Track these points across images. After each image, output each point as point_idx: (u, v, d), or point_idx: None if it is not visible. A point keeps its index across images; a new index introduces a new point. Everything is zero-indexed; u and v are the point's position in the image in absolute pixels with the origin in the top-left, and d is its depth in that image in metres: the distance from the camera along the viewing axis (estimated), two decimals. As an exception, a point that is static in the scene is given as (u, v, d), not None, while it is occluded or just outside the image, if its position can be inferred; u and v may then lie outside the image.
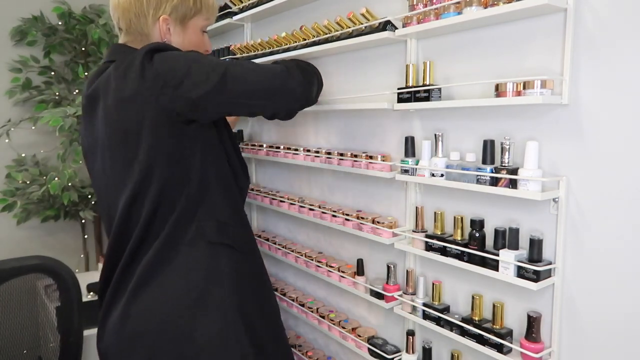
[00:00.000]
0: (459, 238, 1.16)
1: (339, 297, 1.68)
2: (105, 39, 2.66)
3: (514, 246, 1.05)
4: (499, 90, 1.04)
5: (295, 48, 1.57)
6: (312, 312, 1.65)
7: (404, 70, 1.33)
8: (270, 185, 1.98)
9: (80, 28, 2.71)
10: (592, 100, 0.96)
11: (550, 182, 1.02)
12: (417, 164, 1.23)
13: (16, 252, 2.54)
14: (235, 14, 1.88)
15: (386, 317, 1.49)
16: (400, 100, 1.25)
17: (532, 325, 1.04)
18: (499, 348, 1.07)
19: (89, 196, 2.69)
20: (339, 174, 1.63)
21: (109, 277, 1.11)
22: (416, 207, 1.28)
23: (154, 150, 1.03)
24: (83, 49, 2.78)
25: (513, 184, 1.02)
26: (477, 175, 1.08)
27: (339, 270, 1.53)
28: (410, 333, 1.34)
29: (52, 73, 2.77)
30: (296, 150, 1.65)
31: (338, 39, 1.41)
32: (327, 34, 1.45)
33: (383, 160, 1.35)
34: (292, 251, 1.72)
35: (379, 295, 1.39)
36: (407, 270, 1.33)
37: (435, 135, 1.20)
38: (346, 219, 1.46)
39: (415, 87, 1.22)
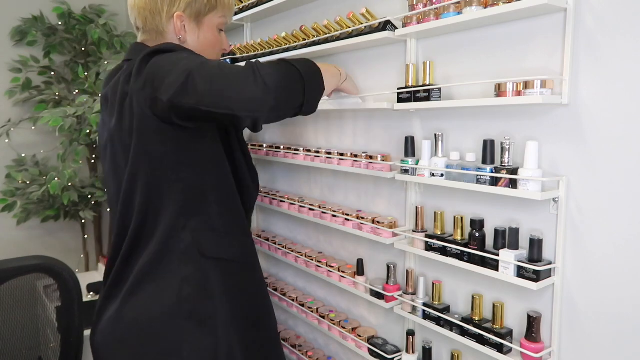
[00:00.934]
0: (459, 238, 1.16)
1: (339, 297, 1.68)
2: (105, 39, 2.67)
3: (514, 246, 1.05)
4: (499, 90, 1.04)
5: (295, 48, 1.57)
6: (312, 312, 1.65)
7: (404, 70, 1.33)
8: (270, 185, 1.98)
9: (80, 28, 2.71)
10: (592, 100, 0.96)
11: (550, 182, 1.02)
12: (417, 164, 1.23)
13: (16, 252, 2.53)
14: (236, 13, 1.88)
15: (386, 317, 1.49)
16: (400, 100, 1.25)
17: (532, 325, 1.04)
18: (499, 348, 1.07)
19: (89, 196, 2.70)
20: (339, 174, 1.63)
21: (109, 276, 1.12)
22: (416, 207, 1.28)
23: (141, 154, 1.01)
24: (83, 49, 2.78)
25: (513, 184, 1.02)
26: (477, 175, 1.08)
27: (339, 270, 1.53)
28: (410, 333, 1.34)
29: (52, 73, 2.77)
30: (296, 150, 1.65)
31: (338, 39, 1.41)
32: (327, 34, 1.45)
33: (383, 160, 1.35)
34: (292, 251, 1.72)
35: (379, 295, 1.39)
36: (407, 270, 1.33)
37: (435, 135, 1.20)
38: (346, 219, 1.46)
39: (415, 87, 1.22)
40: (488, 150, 1.08)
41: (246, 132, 2.07)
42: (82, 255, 2.95)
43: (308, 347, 1.78)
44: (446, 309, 1.24)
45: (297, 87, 0.97)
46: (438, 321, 1.22)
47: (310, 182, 1.76)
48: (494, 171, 1.05)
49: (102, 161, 1.17)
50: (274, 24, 1.85)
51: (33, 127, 2.71)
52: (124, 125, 1.03)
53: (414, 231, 1.27)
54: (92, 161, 2.83)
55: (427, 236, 1.22)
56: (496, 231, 1.08)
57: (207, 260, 1.06)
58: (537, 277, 0.99)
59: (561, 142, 1.02)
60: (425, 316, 1.25)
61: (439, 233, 1.22)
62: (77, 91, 2.74)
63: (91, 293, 2.09)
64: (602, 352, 0.99)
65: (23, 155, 2.78)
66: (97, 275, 2.46)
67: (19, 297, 1.32)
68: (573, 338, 1.03)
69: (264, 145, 1.82)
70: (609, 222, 0.96)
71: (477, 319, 1.14)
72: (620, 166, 0.93)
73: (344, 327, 1.52)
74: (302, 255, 1.68)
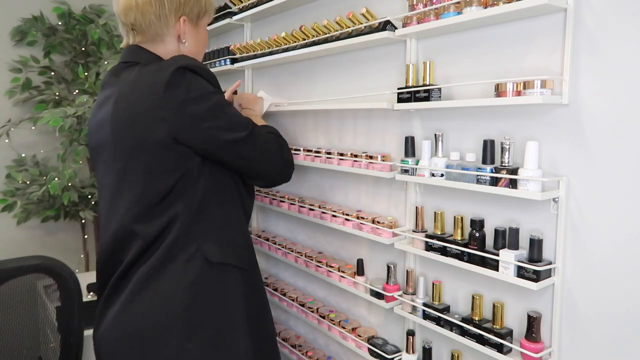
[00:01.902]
0: (459, 238, 1.16)
1: (339, 297, 1.68)
2: (105, 39, 2.67)
3: (514, 246, 1.05)
4: (499, 90, 1.04)
5: (295, 48, 1.57)
6: (312, 312, 1.65)
7: (404, 70, 1.33)
8: (270, 185, 1.98)
9: (80, 28, 2.71)
10: (592, 100, 0.96)
11: (550, 182, 1.02)
12: (417, 164, 1.23)
13: (16, 252, 2.54)
14: (235, 14, 1.88)
15: (386, 317, 1.49)
16: (400, 100, 1.25)
17: (532, 325, 1.04)
18: (499, 348, 1.07)
19: (89, 196, 2.69)
20: (339, 174, 1.63)
21: (106, 282, 1.10)
22: (416, 207, 1.28)
23: (148, 166, 1.02)
24: (83, 49, 2.78)
25: (513, 184, 1.02)
26: (477, 175, 1.08)
27: (339, 270, 1.53)
28: (410, 333, 1.34)
29: (52, 73, 2.77)
30: (296, 150, 1.65)
31: (338, 38, 1.41)
32: (326, 34, 1.45)
33: (383, 160, 1.35)
34: (292, 251, 1.72)
35: (379, 295, 1.39)
36: (407, 270, 1.33)
37: (435, 135, 1.20)
38: (346, 219, 1.46)
39: (415, 87, 1.22)
40: (488, 150, 1.08)
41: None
42: (82, 255, 2.95)
43: (308, 347, 1.78)
44: (446, 309, 1.24)
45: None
46: (438, 321, 1.21)
47: (310, 182, 1.76)
48: (494, 171, 1.05)
49: (94, 163, 1.16)
50: (273, 24, 1.85)
51: (33, 127, 2.71)
52: (138, 136, 1.02)
53: (414, 231, 1.27)
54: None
55: (427, 236, 1.22)
56: (496, 231, 1.08)
57: (212, 266, 1.06)
58: (537, 277, 0.99)
59: (561, 142, 1.02)
60: (425, 316, 1.25)
61: (439, 233, 1.22)
62: (77, 91, 2.74)
63: (91, 293, 2.09)
64: (602, 352, 0.99)
65: (23, 155, 2.78)
66: (97, 275, 2.46)
67: (18, 297, 1.32)
68: (573, 338, 1.03)
69: (264, 145, 1.82)
70: (609, 222, 0.96)
71: (477, 319, 1.14)
72: (620, 166, 0.93)
73: (344, 327, 1.52)
74: (302, 255, 1.68)
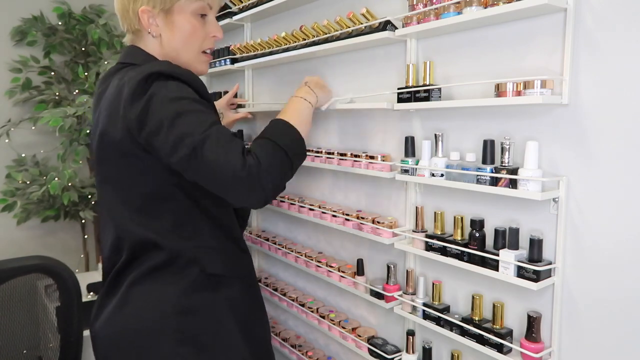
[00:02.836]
0: (459, 238, 1.16)
1: (339, 297, 1.68)
2: (105, 39, 2.67)
3: (514, 246, 1.05)
4: (499, 90, 1.04)
5: (295, 48, 1.57)
6: (312, 312, 1.65)
7: (404, 70, 1.33)
8: (270, 185, 1.98)
9: (80, 28, 2.72)
10: (592, 100, 0.96)
11: (550, 182, 1.02)
12: (417, 164, 1.23)
13: (16, 252, 2.54)
14: (235, 14, 1.88)
15: (386, 317, 1.49)
16: (400, 100, 1.25)
17: (532, 325, 1.04)
18: (499, 348, 1.07)
19: (89, 196, 2.70)
20: (339, 174, 1.63)
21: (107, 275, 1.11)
22: (416, 207, 1.28)
23: (135, 173, 1.00)
24: (83, 49, 2.78)
25: (513, 184, 1.02)
26: (477, 175, 1.08)
27: (339, 270, 1.53)
28: (410, 333, 1.34)
29: (52, 73, 2.77)
30: (296, 150, 1.64)
31: (338, 38, 1.41)
32: (327, 34, 1.45)
33: (383, 160, 1.35)
34: (292, 251, 1.72)
35: (379, 295, 1.39)
36: (407, 270, 1.33)
37: (435, 135, 1.20)
38: (346, 219, 1.46)
39: (415, 87, 1.22)
40: (488, 150, 1.08)
41: (246, 132, 2.07)
42: (82, 255, 2.95)
43: (308, 347, 1.78)
44: (446, 309, 1.24)
45: (289, 175, 1.00)
46: (438, 321, 1.21)
47: (310, 182, 1.76)
48: (494, 171, 1.05)
49: (93, 164, 1.16)
50: (273, 24, 1.85)
51: (33, 127, 2.71)
52: (117, 142, 0.98)
53: (414, 231, 1.27)
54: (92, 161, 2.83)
55: (427, 236, 1.22)
56: (496, 231, 1.08)
57: (207, 275, 1.04)
58: (537, 277, 0.99)
59: (561, 142, 1.02)
60: (425, 316, 1.25)
61: (439, 233, 1.22)
62: (77, 91, 2.74)
63: (91, 293, 2.09)
64: (602, 352, 0.99)
65: (23, 155, 2.78)
66: (97, 275, 2.46)
67: (18, 297, 1.32)
68: (573, 338, 1.03)
69: (264, 145, 1.82)
70: (609, 222, 0.96)
71: (477, 319, 1.14)
72: (620, 166, 0.93)
73: (344, 327, 1.52)
74: (302, 255, 1.68)
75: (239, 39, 2.03)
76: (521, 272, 1.02)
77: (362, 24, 1.33)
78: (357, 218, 1.44)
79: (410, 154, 1.28)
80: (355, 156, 1.42)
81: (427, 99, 1.18)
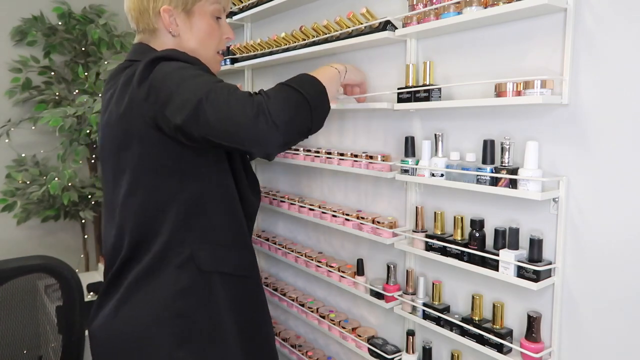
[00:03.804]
0: (459, 238, 1.16)
1: (339, 297, 1.68)
2: (105, 39, 2.67)
3: (514, 246, 1.05)
4: (499, 90, 1.04)
5: (295, 48, 1.57)
6: (312, 312, 1.66)
7: (404, 70, 1.33)
8: (270, 185, 1.98)
9: (80, 28, 2.71)
10: (592, 100, 0.97)
11: (550, 182, 1.02)
12: (417, 164, 1.23)
13: (16, 252, 2.53)
14: (235, 13, 1.88)
15: (386, 317, 1.49)
16: (400, 100, 1.25)
17: (532, 325, 1.04)
18: (499, 348, 1.07)
19: (89, 196, 2.70)
20: (339, 174, 1.63)
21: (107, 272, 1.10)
22: (416, 207, 1.28)
23: (141, 164, 0.99)
24: (83, 49, 2.78)
25: (513, 184, 1.02)
26: (477, 175, 1.08)
27: (339, 270, 1.53)
28: (410, 333, 1.34)
29: (52, 73, 2.77)
30: (296, 150, 1.65)
31: (338, 39, 1.41)
32: (327, 34, 1.45)
33: (383, 160, 1.35)
34: (292, 251, 1.73)
35: (379, 295, 1.39)
36: (407, 270, 1.33)
37: (435, 135, 1.20)
38: (346, 219, 1.46)
39: (415, 87, 1.22)
40: (488, 150, 1.08)
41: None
42: (82, 255, 2.95)
43: (308, 347, 1.78)
44: (446, 309, 1.24)
45: (305, 116, 0.95)
46: (438, 321, 1.22)
47: (310, 182, 1.76)
48: (494, 171, 1.05)
49: (101, 162, 1.16)
50: (273, 24, 1.85)
51: (33, 127, 2.71)
52: (126, 132, 1.00)
53: (414, 231, 1.27)
54: (92, 161, 2.83)
55: (427, 236, 1.22)
56: (496, 231, 1.08)
57: (205, 274, 1.03)
58: (537, 277, 0.99)
59: (561, 142, 1.02)
60: (425, 316, 1.25)
61: (439, 233, 1.22)
62: (77, 91, 2.74)
63: (91, 293, 2.09)
64: (602, 352, 0.99)
65: (23, 155, 2.78)
66: (97, 275, 2.46)
67: (20, 297, 1.32)
68: (573, 338, 1.03)
69: (264, 145, 1.82)
70: (609, 222, 0.96)
71: (477, 319, 1.14)
72: (620, 166, 0.93)
73: (344, 327, 1.53)
74: (302, 255, 1.68)
75: (239, 39, 2.03)
76: (521, 272, 1.02)
77: (362, 24, 1.33)
78: (357, 218, 1.44)
79: (410, 154, 1.28)
80: (355, 156, 1.42)
81: (427, 99, 1.18)
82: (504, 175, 1.03)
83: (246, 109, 0.88)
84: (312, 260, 1.63)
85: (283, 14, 1.79)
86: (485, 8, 1.04)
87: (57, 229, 2.93)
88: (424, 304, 1.26)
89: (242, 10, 1.82)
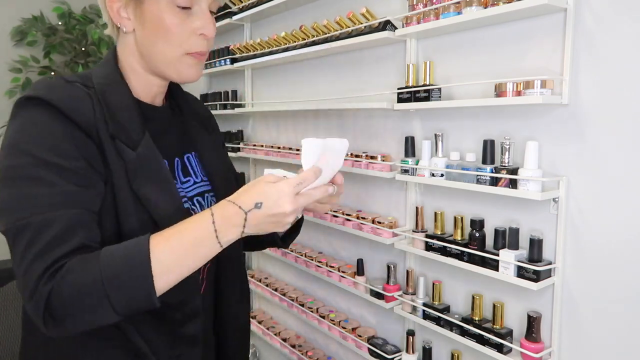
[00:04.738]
0: (459, 238, 1.16)
1: (339, 297, 1.68)
2: (105, 39, 2.67)
3: (514, 246, 1.05)
4: (499, 90, 1.04)
5: (295, 48, 1.57)
6: (312, 312, 1.65)
7: (404, 70, 1.33)
8: (270, 185, 1.98)
9: (80, 28, 2.71)
10: (592, 100, 0.96)
11: (550, 182, 1.02)
12: (417, 164, 1.23)
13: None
14: (235, 13, 1.88)
15: (386, 317, 1.49)
16: (400, 100, 1.25)
17: (532, 325, 1.04)
18: (499, 348, 1.07)
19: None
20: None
21: None
22: (416, 207, 1.28)
23: None
24: (83, 49, 2.78)
25: (513, 184, 1.02)
26: (477, 175, 1.08)
27: (339, 270, 1.53)
28: (410, 333, 1.34)
29: (52, 73, 2.77)
30: (297, 150, 1.64)
31: (338, 38, 1.41)
32: (326, 33, 1.45)
33: (383, 160, 1.35)
34: (292, 251, 1.72)
35: (379, 295, 1.39)
36: (407, 270, 1.33)
37: (435, 135, 1.20)
38: (346, 219, 1.46)
39: (415, 87, 1.22)
40: (488, 150, 1.08)
41: (246, 131, 2.07)
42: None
43: (308, 347, 1.78)
44: (446, 309, 1.24)
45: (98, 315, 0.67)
46: (438, 321, 1.21)
47: (310, 182, 1.76)
48: (494, 171, 1.05)
49: None
50: (273, 23, 1.84)
51: (33, 127, 2.70)
52: None
53: (414, 231, 1.27)
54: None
55: (427, 236, 1.22)
56: (496, 231, 1.08)
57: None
58: (537, 277, 0.99)
59: (561, 142, 1.02)
60: (425, 316, 1.25)
61: (439, 233, 1.22)
62: (77, 91, 2.73)
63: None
64: (602, 351, 0.99)
65: (23, 155, 2.78)
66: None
67: (20, 298, 1.32)
68: (573, 338, 1.03)
69: (264, 145, 1.82)
70: (609, 222, 0.96)
71: (477, 319, 1.14)
72: (620, 166, 0.93)
73: (344, 327, 1.52)
74: (302, 255, 1.68)
75: (239, 38, 2.03)
76: (521, 272, 1.02)
77: (362, 23, 1.33)
78: (357, 218, 1.44)
79: (410, 154, 1.28)
80: (356, 156, 1.42)
81: (427, 99, 1.18)
82: (504, 175, 1.03)
83: (26, 294, 0.69)
84: (312, 260, 1.63)
85: (283, 14, 1.79)
86: (485, 8, 1.04)
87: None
88: (424, 304, 1.26)
89: (242, 10, 1.82)
